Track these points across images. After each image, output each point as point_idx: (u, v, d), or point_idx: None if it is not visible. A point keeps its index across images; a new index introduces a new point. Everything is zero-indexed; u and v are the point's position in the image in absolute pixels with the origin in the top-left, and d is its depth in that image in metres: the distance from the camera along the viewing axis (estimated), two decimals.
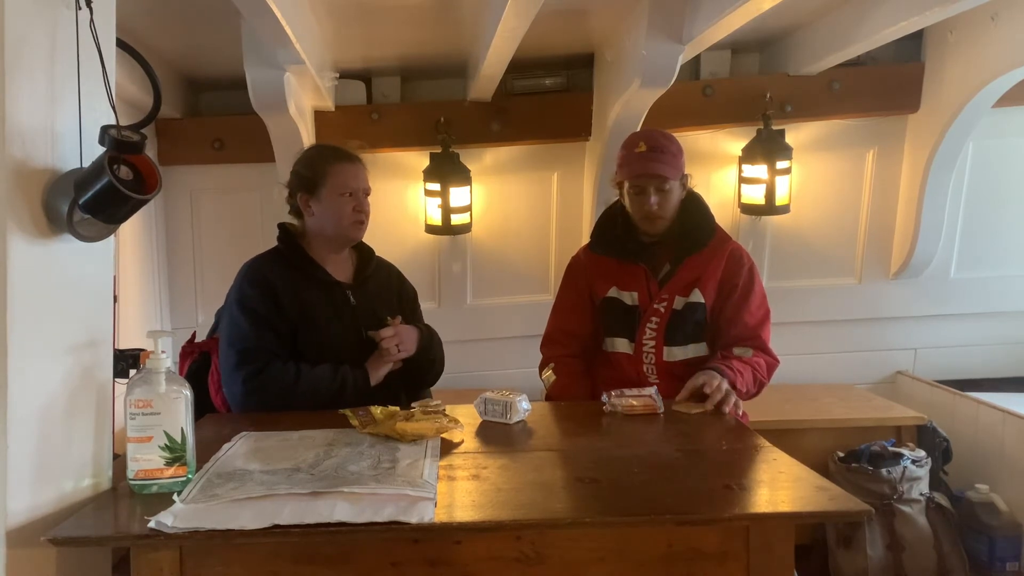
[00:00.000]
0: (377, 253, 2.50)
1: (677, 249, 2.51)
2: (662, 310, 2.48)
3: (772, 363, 2.49)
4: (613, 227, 2.58)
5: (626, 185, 2.48)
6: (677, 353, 2.48)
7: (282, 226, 2.40)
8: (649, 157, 2.43)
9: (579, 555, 1.48)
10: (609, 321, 2.55)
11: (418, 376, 2.40)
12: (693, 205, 2.55)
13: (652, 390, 2.19)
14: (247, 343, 2.21)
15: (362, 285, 2.39)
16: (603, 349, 2.58)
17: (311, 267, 2.33)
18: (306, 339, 2.25)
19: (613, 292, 2.53)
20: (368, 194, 2.35)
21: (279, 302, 2.24)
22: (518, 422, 2.04)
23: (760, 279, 2.55)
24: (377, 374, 2.27)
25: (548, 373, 2.59)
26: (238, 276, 2.32)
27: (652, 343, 2.48)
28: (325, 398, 2.17)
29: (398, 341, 2.29)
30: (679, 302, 2.47)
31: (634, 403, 2.13)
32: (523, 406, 2.07)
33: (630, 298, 2.51)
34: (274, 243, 2.40)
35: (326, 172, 2.30)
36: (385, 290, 2.46)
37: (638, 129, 3.47)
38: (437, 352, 2.46)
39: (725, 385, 2.23)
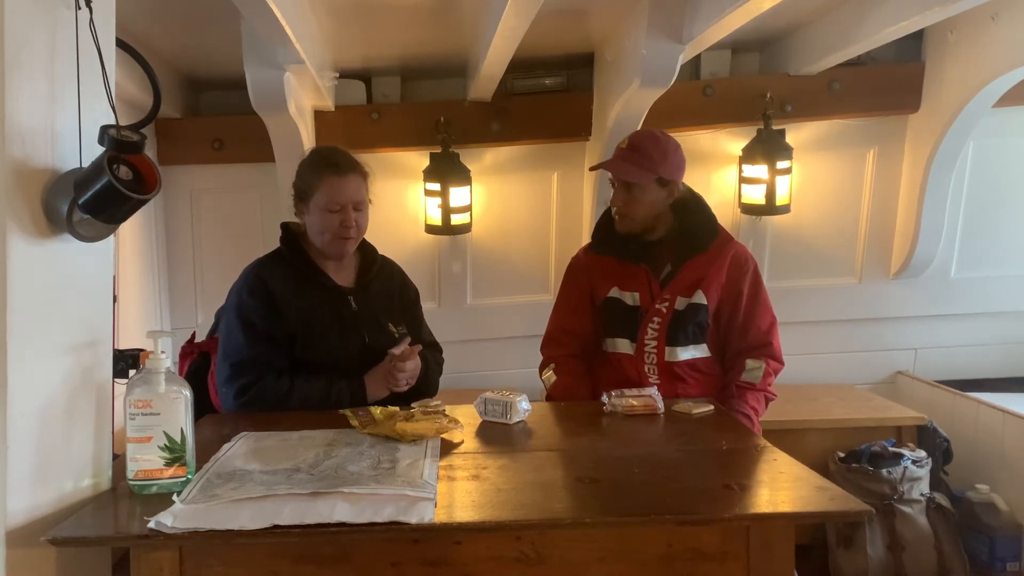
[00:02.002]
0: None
1: (678, 250, 2.51)
2: (664, 310, 2.48)
3: (778, 368, 2.53)
4: (614, 227, 2.57)
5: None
6: (679, 353, 2.49)
7: (285, 226, 2.36)
8: (621, 155, 2.45)
9: (579, 555, 1.48)
10: (610, 321, 2.55)
11: (410, 397, 2.28)
12: (694, 206, 2.55)
13: (652, 390, 2.19)
14: (240, 355, 2.19)
15: (364, 289, 2.35)
16: (603, 349, 2.58)
17: (312, 271, 2.29)
18: (306, 346, 2.22)
19: (614, 292, 2.52)
20: (360, 207, 2.25)
21: (279, 310, 2.21)
22: (518, 422, 2.04)
23: (763, 281, 2.56)
24: (375, 395, 2.20)
25: (549, 374, 2.59)
26: (239, 281, 2.29)
27: (654, 343, 2.48)
28: (318, 410, 2.14)
29: (411, 376, 2.23)
30: (681, 303, 2.48)
31: (634, 403, 2.13)
32: (523, 406, 2.07)
33: (631, 298, 2.51)
34: (274, 243, 2.37)
35: (315, 185, 2.23)
36: (387, 293, 2.41)
37: (638, 129, 3.48)
38: (433, 381, 2.39)
39: None
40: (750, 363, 2.49)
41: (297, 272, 2.28)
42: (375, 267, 2.40)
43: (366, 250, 2.41)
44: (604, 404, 2.16)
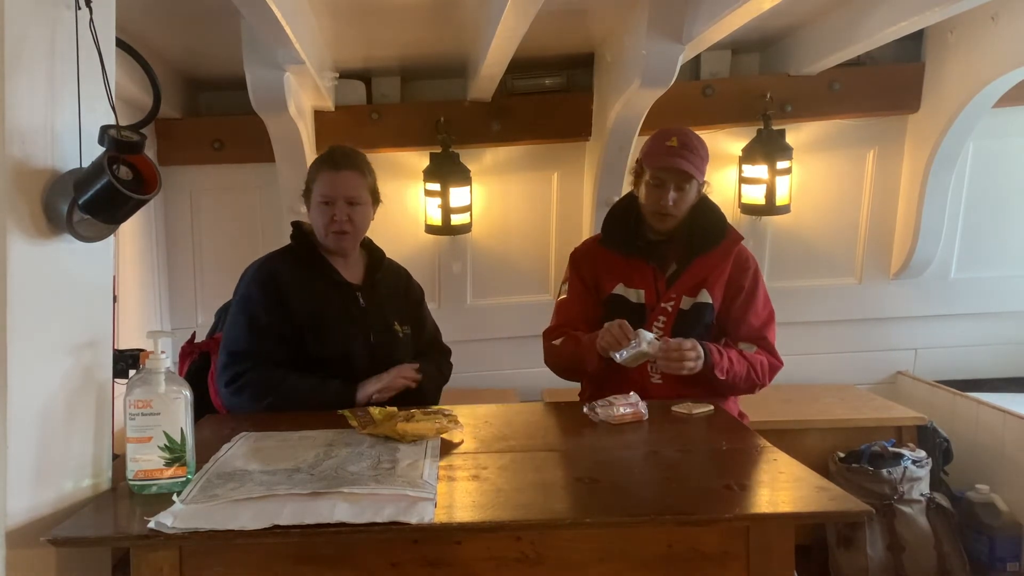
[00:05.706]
0: None
1: (686, 248, 2.48)
2: (669, 309, 2.46)
3: (775, 365, 2.48)
4: (626, 222, 2.54)
5: (647, 175, 2.44)
6: None
7: (296, 224, 2.40)
8: (679, 153, 2.40)
9: (579, 555, 1.48)
10: (613, 319, 2.51)
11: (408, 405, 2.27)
12: (704, 206, 2.52)
13: (636, 397, 2.12)
14: (237, 346, 2.21)
15: (372, 287, 2.38)
16: None
17: (322, 266, 2.32)
18: (315, 340, 2.23)
19: (619, 289, 2.49)
20: (355, 202, 2.28)
21: (287, 303, 2.23)
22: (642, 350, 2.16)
23: (763, 280, 2.55)
24: (364, 393, 2.18)
25: (557, 343, 2.50)
26: (247, 274, 2.32)
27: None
28: (305, 404, 2.14)
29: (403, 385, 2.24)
30: (686, 302, 2.46)
31: (623, 411, 2.06)
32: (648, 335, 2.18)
33: (636, 295, 2.48)
34: (274, 243, 2.39)
35: (314, 179, 2.31)
36: (393, 292, 2.45)
37: (638, 130, 3.48)
38: (429, 392, 2.36)
39: (693, 354, 2.23)
40: (743, 345, 2.46)
41: (307, 267, 2.31)
42: (381, 267, 2.44)
43: (373, 251, 2.45)
44: (585, 412, 2.09)
